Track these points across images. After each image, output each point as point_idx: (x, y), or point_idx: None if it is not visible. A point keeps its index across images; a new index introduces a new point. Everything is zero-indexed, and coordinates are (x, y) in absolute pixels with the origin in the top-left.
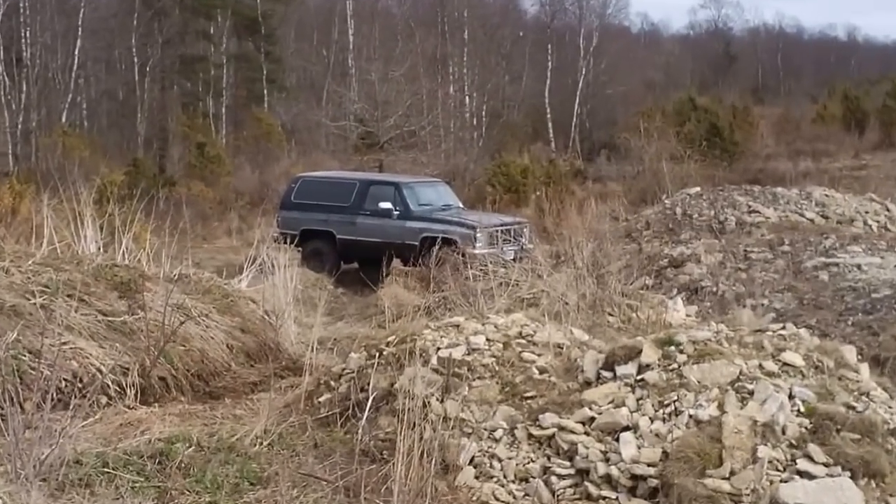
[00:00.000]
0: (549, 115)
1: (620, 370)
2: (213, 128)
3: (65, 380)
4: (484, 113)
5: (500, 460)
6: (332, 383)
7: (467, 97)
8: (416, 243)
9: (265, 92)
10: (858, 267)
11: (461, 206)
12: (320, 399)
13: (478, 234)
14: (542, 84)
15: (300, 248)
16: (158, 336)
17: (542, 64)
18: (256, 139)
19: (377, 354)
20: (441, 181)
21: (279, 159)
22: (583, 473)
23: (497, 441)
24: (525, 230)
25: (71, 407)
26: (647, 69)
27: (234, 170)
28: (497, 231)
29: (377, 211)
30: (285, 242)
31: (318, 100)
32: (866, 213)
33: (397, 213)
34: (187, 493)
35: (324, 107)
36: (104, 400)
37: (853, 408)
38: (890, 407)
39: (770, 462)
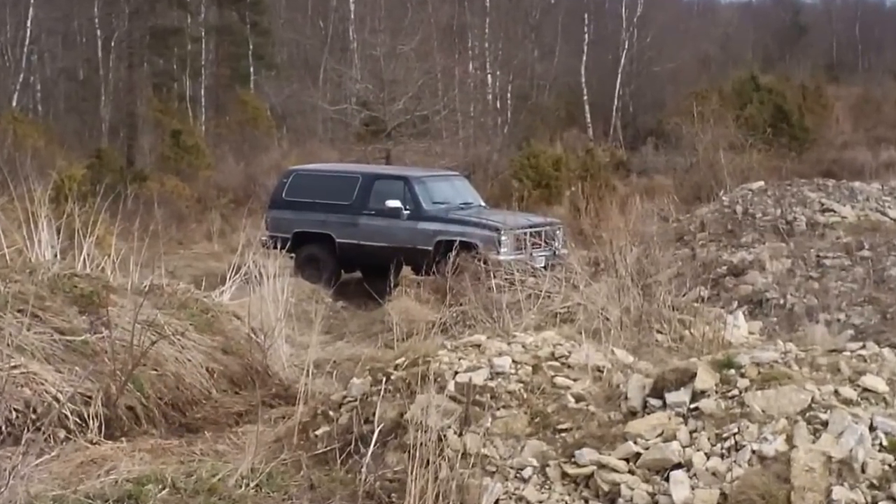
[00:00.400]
0: (585, 97)
1: (671, 398)
2: (190, 113)
3: (15, 410)
4: (509, 94)
5: None
6: (331, 413)
7: (489, 76)
8: (430, 248)
9: (251, 70)
10: None
11: (483, 204)
12: (317, 432)
13: (502, 238)
14: (578, 60)
15: (293, 255)
16: (126, 358)
17: (577, 37)
18: (241, 126)
19: (384, 379)
20: (459, 175)
21: (268, 149)
22: None
23: (525, 481)
24: (558, 232)
25: (23, 442)
26: (702, 42)
27: (215, 162)
28: (525, 234)
29: (383, 210)
30: (275, 247)
31: (314, 79)
32: None
33: (407, 212)
34: None
35: (320, 88)
36: (62, 433)
37: None
38: None
39: None
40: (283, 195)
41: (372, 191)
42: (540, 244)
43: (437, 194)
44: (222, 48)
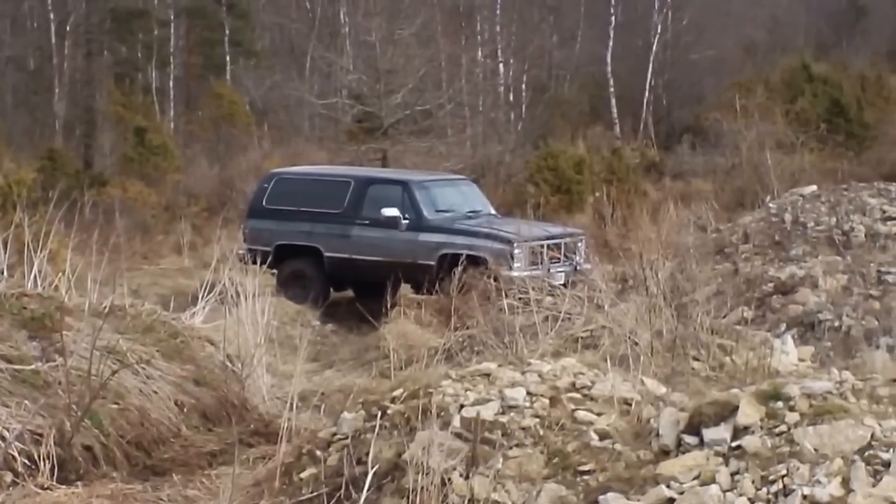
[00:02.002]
0: (612, 89)
1: (709, 434)
2: (156, 107)
3: None
4: (524, 86)
5: None
6: (318, 453)
7: (501, 64)
8: (433, 263)
9: (227, 59)
10: None
11: (493, 212)
12: (302, 475)
13: (516, 251)
14: (604, 47)
15: (275, 271)
16: (82, 391)
17: (602, 20)
18: (216, 122)
19: (379, 414)
20: (466, 179)
21: (246, 149)
22: None
23: None
24: (580, 245)
25: None
26: (746, 26)
27: (185, 164)
28: (542, 246)
29: (379, 219)
30: (254, 262)
31: (300, 69)
32: None
33: (407, 222)
34: None
35: (307, 79)
36: (9, 477)
37: None
38: None
39: None
40: (264, 202)
41: (366, 197)
42: (559, 258)
43: (441, 201)
44: (194, 33)
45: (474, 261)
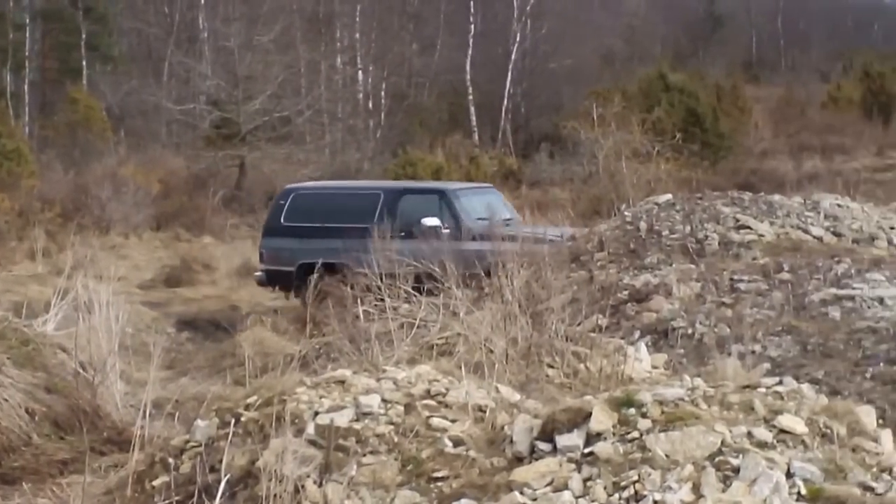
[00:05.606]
0: (471, 97)
1: (562, 441)
2: (10, 112)
3: None
4: (383, 93)
5: None
6: (172, 461)
7: (360, 72)
8: (480, 272)
9: (84, 63)
10: (881, 301)
11: (519, 217)
12: (154, 483)
13: None
14: (463, 55)
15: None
16: None
17: (462, 28)
18: (71, 128)
19: (233, 421)
20: (492, 187)
21: (102, 155)
22: None
23: None
24: None
25: None
26: (604, 35)
27: (39, 170)
28: None
29: (415, 231)
30: (274, 285)
31: (157, 75)
32: (892, 228)
33: (447, 231)
34: None
35: (165, 84)
36: None
37: (871, 489)
38: None
39: None
40: (282, 220)
41: (399, 207)
42: None
43: (478, 209)
44: (50, 37)
45: None
